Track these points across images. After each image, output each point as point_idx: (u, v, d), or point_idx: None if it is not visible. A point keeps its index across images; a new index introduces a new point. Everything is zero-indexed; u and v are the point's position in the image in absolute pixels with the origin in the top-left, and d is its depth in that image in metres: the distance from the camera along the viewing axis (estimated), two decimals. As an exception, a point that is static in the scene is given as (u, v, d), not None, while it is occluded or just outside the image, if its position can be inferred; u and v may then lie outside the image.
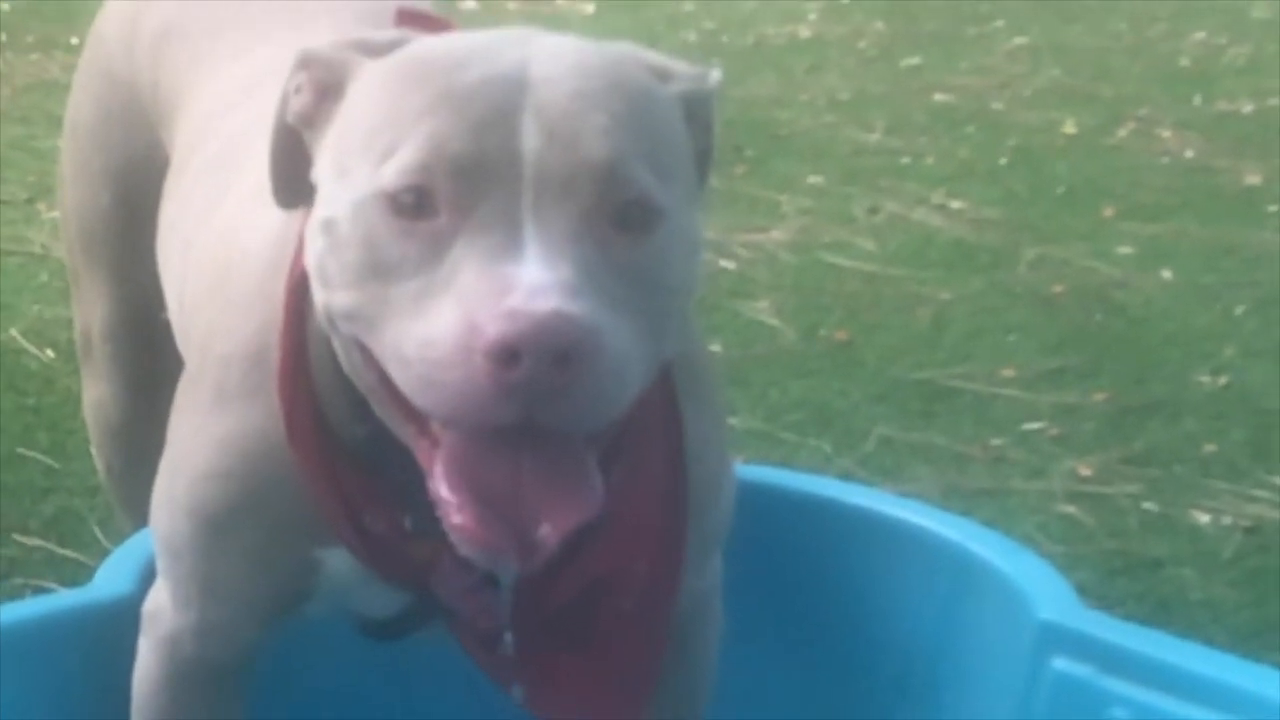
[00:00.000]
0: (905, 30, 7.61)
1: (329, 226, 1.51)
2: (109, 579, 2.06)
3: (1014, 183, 5.45)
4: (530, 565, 1.50)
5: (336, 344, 1.57)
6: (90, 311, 2.48)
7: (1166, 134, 6.04)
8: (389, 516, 1.69)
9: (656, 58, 1.63)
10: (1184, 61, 7.16)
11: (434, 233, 1.45)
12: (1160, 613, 2.99)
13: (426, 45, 1.57)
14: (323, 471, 1.67)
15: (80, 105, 2.42)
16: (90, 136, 2.39)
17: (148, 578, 1.93)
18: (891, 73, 6.86)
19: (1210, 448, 3.63)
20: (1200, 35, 7.58)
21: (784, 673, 2.31)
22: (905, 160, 5.64)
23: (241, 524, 1.73)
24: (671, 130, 1.57)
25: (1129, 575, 3.14)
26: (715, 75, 1.65)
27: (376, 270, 1.47)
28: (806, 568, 2.31)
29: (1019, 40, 7.42)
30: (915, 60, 7.05)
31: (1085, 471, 3.52)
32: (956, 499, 3.30)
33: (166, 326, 2.12)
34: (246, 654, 1.86)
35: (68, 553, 3.07)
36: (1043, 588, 2.13)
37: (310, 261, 1.55)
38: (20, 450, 3.43)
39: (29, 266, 4.46)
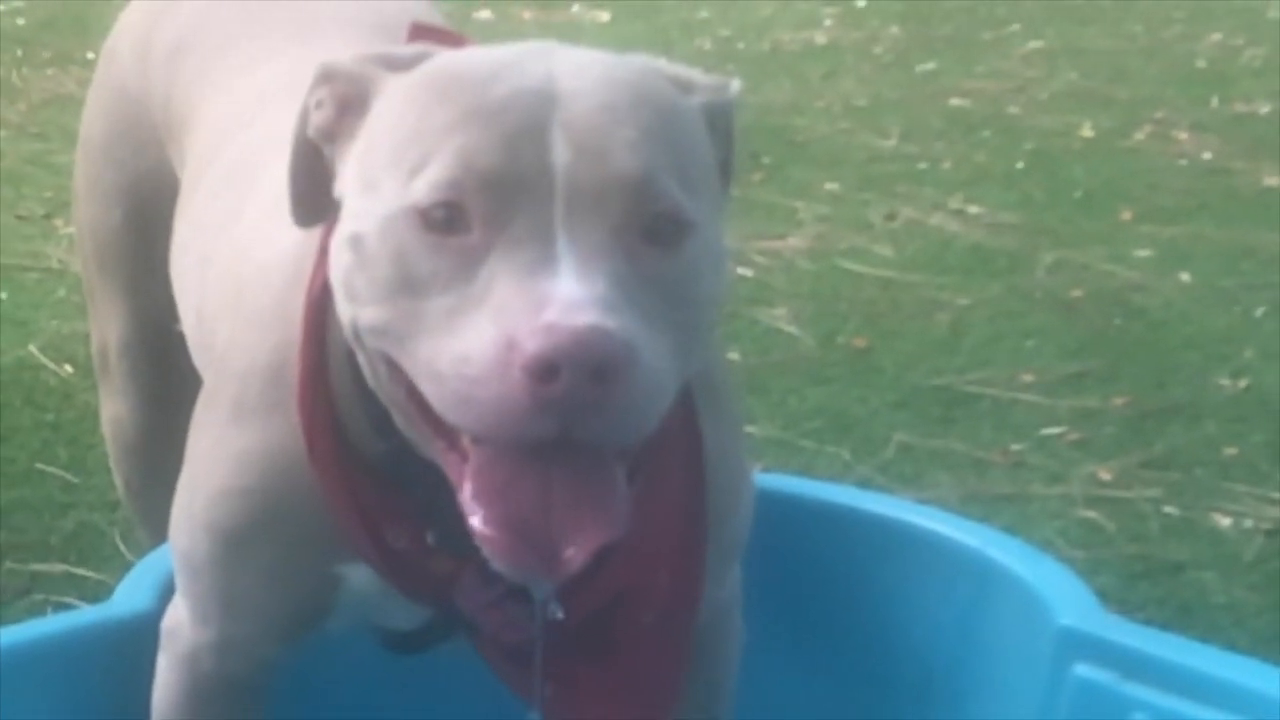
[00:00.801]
0: (920, 35, 7.59)
1: (356, 242, 1.50)
2: (128, 595, 2.07)
3: (1031, 187, 5.44)
4: (558, 581, 1.50)
5: (362, 359, 1.57)
6: (106, 327, 2.48)
7: (1184, 136, 6.02)
8: (411, 532, 1.68)
9: (677, 68, 1.64)
10: (1200, 63, 7.14)
11: (466, 248, 1.45)
12: (1182, 617, 2.99)
13: (451, 59, 1.57)
14: (343, 487, 1.67)
15: (93, 121, 2.43)
16: (103, 152, 2.39)
17: (167, 594, 1.93)
18: (907, 78, 6.85)
19: (1230, 450, 3.62)
20: (1216, 37, 7.56)
21: (804, 680, 2.30)
22: (922, 166, 5.63)
23: (260, 540, 1.73)
24: (696, 142, 1.57)
25: (1150, 579, 3.14)
26: (735, 85, 1.65)
27: (407, 286, 1.47)
28: (826, 576, 2.31)
29: (1035, 44, 7.40)
30: (931, 65, 7.04)
31: (1105, 476, 3.51)
32: (976, 505, 3.29)
33: (183, 341, 2.12)
34: (266, 670, 1.86)
35: (88, 569, 3.07)
36: (1063, 593, 2.12)
37: (336, 277, 1.54)
38: (39, 466, 3.44)
39: (47, 282, 4.47)
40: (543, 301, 1.40)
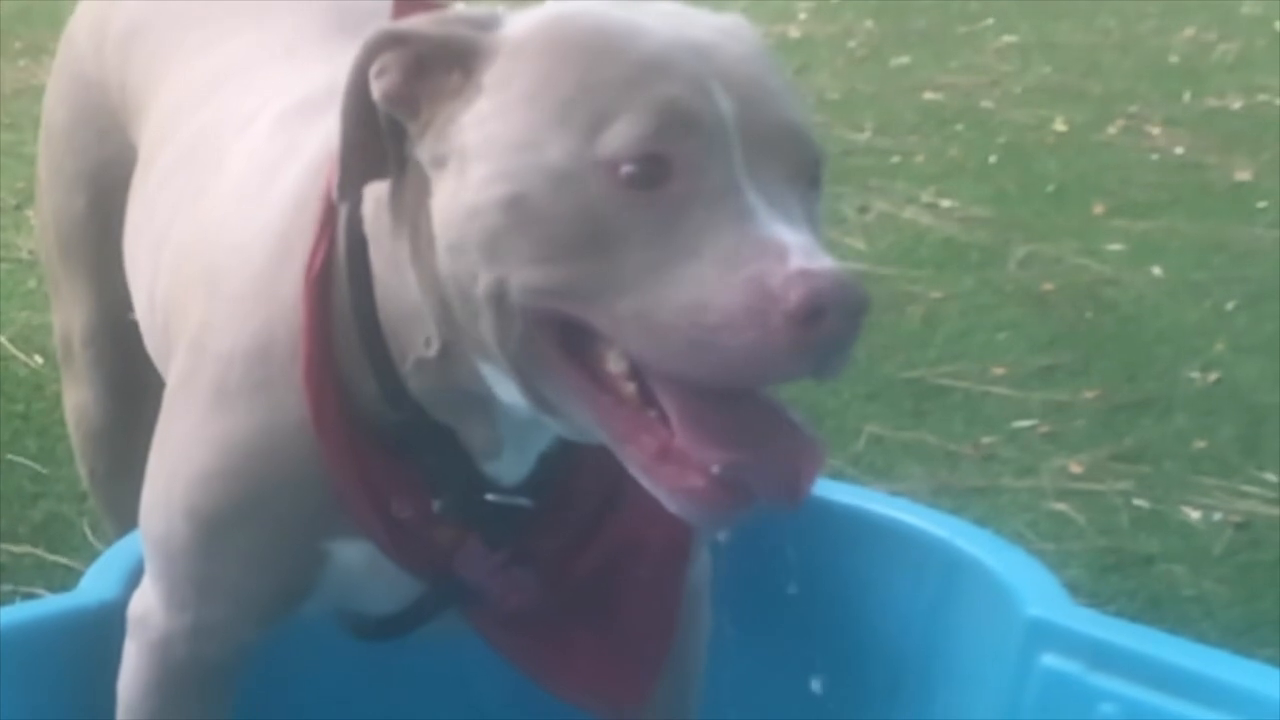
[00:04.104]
0: (895, 29, 7.61)
1: (515, 202, 1.47)
2: (95, 584, 2.06)
3: (1004, 181, 5.45)
4: (796, 507, 1.50)
5: (487, 321, 1.52)
6: (70, 316, 2.47)
7: (1156, 131, 6.04)
8: (417, 501, 1.69)
9: None
10: (1173, 58, 7.16)
11: (665, 199, 1.44)
12: (1151, 609, 2.99)
13: (567, 15, 1.55)
14: (350, 460, 1.66)
15: (54, 109, 2.42)
16: (63, 139, 2.38)
17: (134, 582, 1.92)
18: (881, 72, 6.86)
19: (1201, 444, 3.63)
20: (1190, 31, 7.59)
21: (774, 670, 2.30)
22: (895, 159, 5.64)
23: (244, 522, 1.71)
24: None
25: (1120, 572, 3.14)
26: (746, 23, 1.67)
27: (595, 241, 1.45)
28: (796, 566, 2.31)
29: (1008, 38, 7.42)
30: (905, 59, 7.05)
31: (1076, 469, 3.51)
32: (947, 497, 3.30)
33: (145, 328, 2.11)
34: (240, 654, 1.85)
35: (57, 558, 3.07)
36: (1031, 584, 2.13)
37: (467, 241, 1.50)
38: (9, 456, 3.43)
39: (17, 273, 4.46)
40: (781, 249, 1.41)
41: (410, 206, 1.57)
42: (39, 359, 3.85)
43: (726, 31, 1.56)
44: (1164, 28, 7.66)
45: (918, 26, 7.67)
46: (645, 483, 1.49)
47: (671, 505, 1.49)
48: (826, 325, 1.39)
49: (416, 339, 1.61)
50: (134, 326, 2.16)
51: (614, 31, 1.51)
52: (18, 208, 4.93)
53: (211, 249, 1.80)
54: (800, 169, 1.50)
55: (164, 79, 2.16)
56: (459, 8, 1.64)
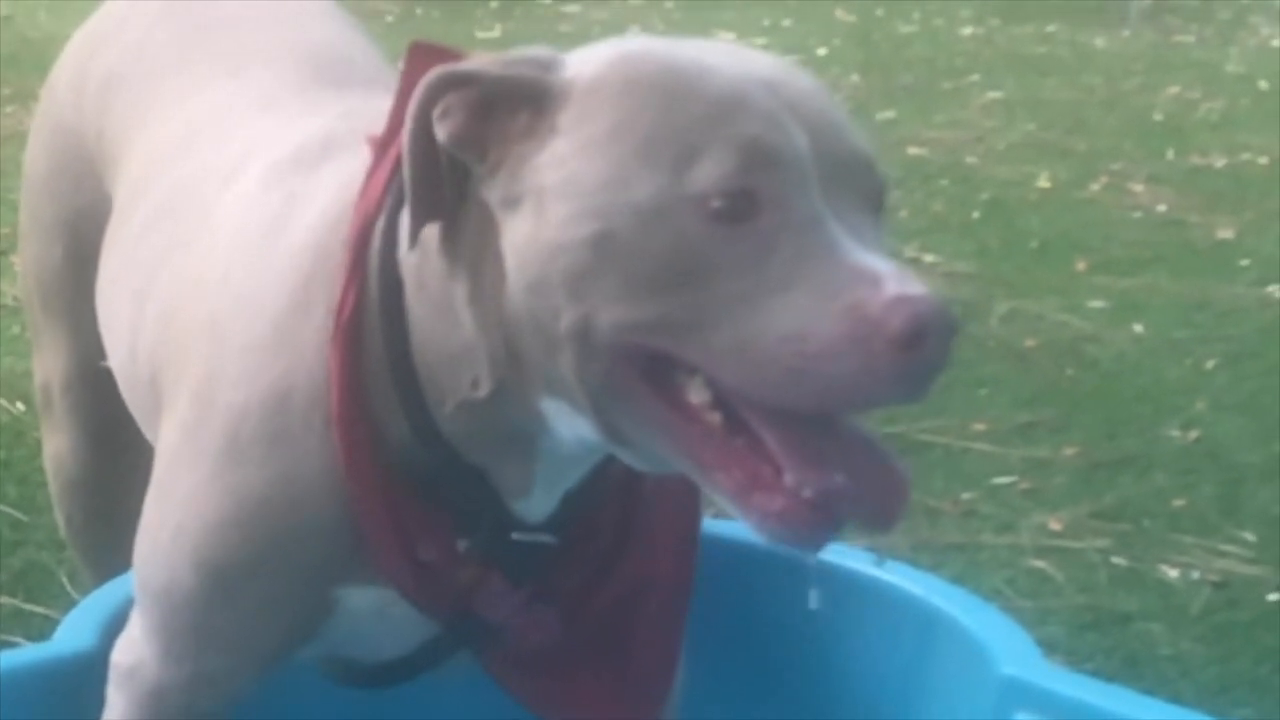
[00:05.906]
0: (881, 84, 7.63)
1: (602, 240, 1.48)
2: (71, 634, 2.05)
3: (987, 237, 5.47)
4: (890, 530, 1.52)
5: (568, 357, 1.52)
6: (49, 364, 2.47)
7: (1139, 188, 6.06)
8: (441, 542, 1.70)
9: None
10: (1157, 116, 7.19)
11: (755, 232, 1.46)
12: (1129, 668, 2.99)
13: (637, 55, 1.56)
14: (381, 505, 1.66)
15: (34, 157, 2.43)
16: (42, 187, 2.39)
17: (111, 632, 1.91)
18: (867, 126, 6.85)
19: (1180, 502, 3.64)
20: (1174, 90, 7.62)
21: (750, 727, 2.31)
22: (879, 214, 5.65)
23: (257, 572, 1.71)
24: None
25: (1098, 630, 3.15)
26: None
27: (687, 276, 1.46)
28: (771, 622, 2.31)
29: (993, 94, 7.45)
30: (890, 114, 7.08)
31: (1055, 526, 3.52)
32: (926, 553, 3.30)
33: (124, 378, 2.10)
34: (233, 704, 1.84)
35: (36, 607, 3.06)
36: (1006, 643, 2.13)
37: (553, 278, 1.50)
38: (-12, 504, 3.42)
39: (1, 319, 4.45)
40: (874, 276, 1.43)
41: (471, 247, 1.57)
42: (21, 406, 3.84)
43: (782, 67, 1.58)
44: (1148, 86, 7.70)
45: (903, 82, 7.70)
46: (734, 510, 1.51)
47: (762, 531, 1.50)
48: (926, 349, 1.41)
49: (462, 381, 1.61)
50: (111, 375, 2.16)
51: (686, 70, 1.53)
52: (2, 254, 4.92)
53: (211, 301, 1.78)
54: (870, 197, 1.53)
55: (141, 129, 2.16)
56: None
